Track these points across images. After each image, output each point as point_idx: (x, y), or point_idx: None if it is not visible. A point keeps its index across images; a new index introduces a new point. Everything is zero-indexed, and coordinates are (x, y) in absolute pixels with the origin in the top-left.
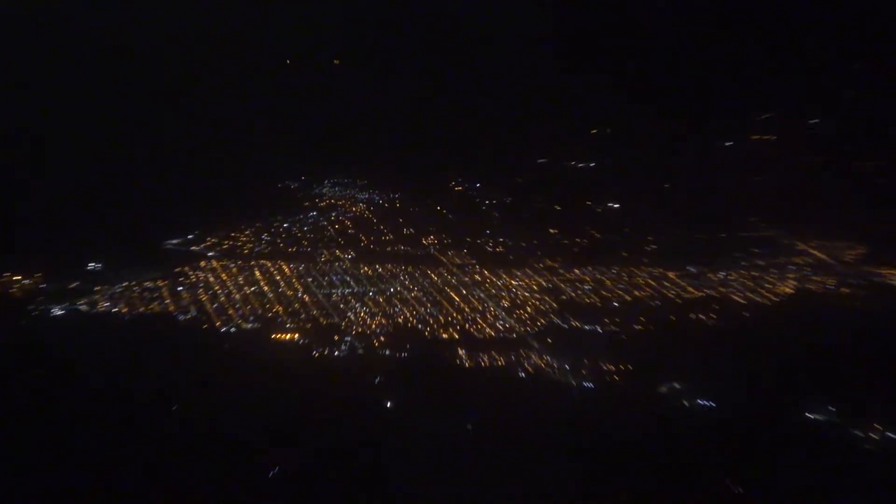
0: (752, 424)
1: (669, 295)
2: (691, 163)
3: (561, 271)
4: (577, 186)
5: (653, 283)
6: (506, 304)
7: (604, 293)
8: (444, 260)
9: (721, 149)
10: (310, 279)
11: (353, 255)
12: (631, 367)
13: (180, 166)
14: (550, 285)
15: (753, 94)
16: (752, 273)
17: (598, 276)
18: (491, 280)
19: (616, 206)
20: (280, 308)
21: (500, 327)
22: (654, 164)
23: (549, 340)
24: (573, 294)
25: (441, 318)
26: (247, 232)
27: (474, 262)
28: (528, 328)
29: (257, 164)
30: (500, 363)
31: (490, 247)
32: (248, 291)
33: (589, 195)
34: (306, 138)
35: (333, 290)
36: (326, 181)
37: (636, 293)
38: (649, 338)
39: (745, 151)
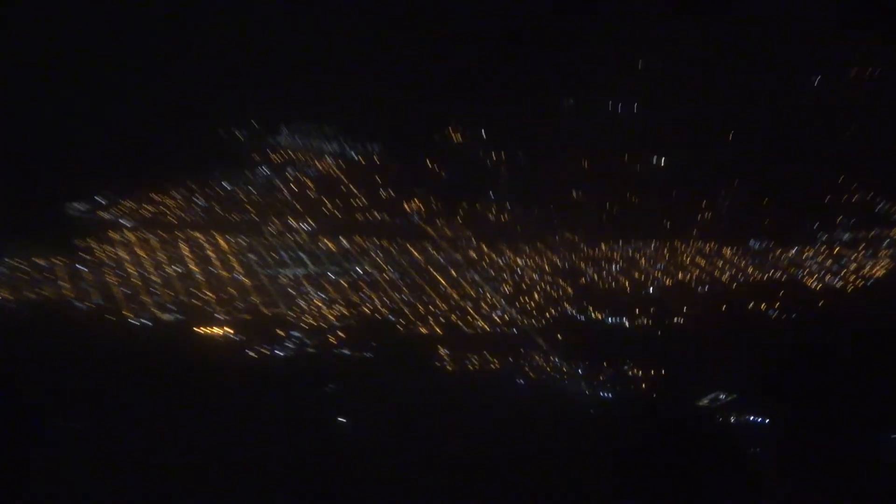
0: (818, 447)
1: (723, 278)
2: (764, 104)
3: (583, 246)
4: (612, 135)
5: (702, 262)
6: (507, 289)
7: (636, 275)
8: (432, 231)
9: (807, 85)
10: (252, 256)
11: (313, 224)
12: (664, 373)
13: (87, 106)
14: (568, 265)
15: (854, 10)
16: (835, 250)
17: (632, 253)
18: (490, 258)
19: (662, 160)
20: (210, 294)
21: (497, 319)
22: (715, 106)
23: (560, 337)
24: (596, 276)
25: (420, 307)
26: (174, 194)
27: (470, 234)
28: (534, 321)
29: (192, 104)
30: (493, 366)
31: (493, 214)
32: (170, 272)
33: (628, 146)
34: (259, 71)
35: (282, 271)
36: (284, 128)
37: (679, 275)
38: (691, 334)
39: (839, 89)
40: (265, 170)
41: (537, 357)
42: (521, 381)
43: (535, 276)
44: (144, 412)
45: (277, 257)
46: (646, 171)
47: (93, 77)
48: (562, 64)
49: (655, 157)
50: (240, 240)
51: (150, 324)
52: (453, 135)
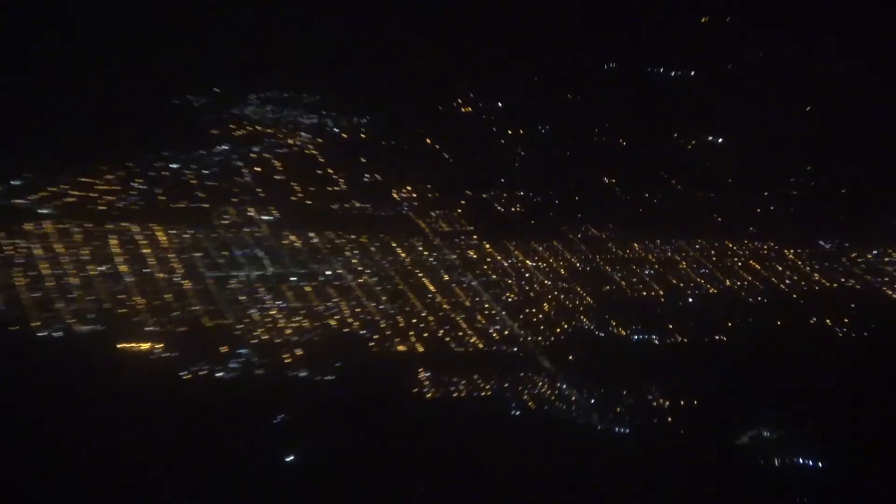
0: (880, 498)
1: (782, 286)
2: (848, 75)
3: (611, 245)
4: (660, 109)
5: (757, 266)
6: (511, 297)
7: (674, 282)
8: (423, 226)
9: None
10: (198, 254)
11: (278, 215)
12: (697, 403)
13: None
14: (590, 268)
15: None
16: None
17: (671, 255)
18: (494, 259)
19: (718, 140)
20: (141, 300)
21: (495, 335)
22: (791, 75)
23: (571, 358)
24: (624, 283)
25: (401, 319)
26: (108, 177)
27: (472, 229)
28: (541, 337)
29: (138, 66)
30: (484, 393)
31: (501, 205)
32: (93, 273)
33: (677, 123)
34: (226, 28)
35: (234, 273)
36: (253, 96)
37: (728, 282)
38: (736, 356)
39: None
40: (225, 147)
41: (540, 382)
42: (518, 411)
43: (548, 282)
44: (44, 443)
45: (230, 256)
46: (697, 154)
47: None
48: (599, 18)
49: (710, 136)
50: (185, 234)
51: (62, 336)
52: (461, 105)
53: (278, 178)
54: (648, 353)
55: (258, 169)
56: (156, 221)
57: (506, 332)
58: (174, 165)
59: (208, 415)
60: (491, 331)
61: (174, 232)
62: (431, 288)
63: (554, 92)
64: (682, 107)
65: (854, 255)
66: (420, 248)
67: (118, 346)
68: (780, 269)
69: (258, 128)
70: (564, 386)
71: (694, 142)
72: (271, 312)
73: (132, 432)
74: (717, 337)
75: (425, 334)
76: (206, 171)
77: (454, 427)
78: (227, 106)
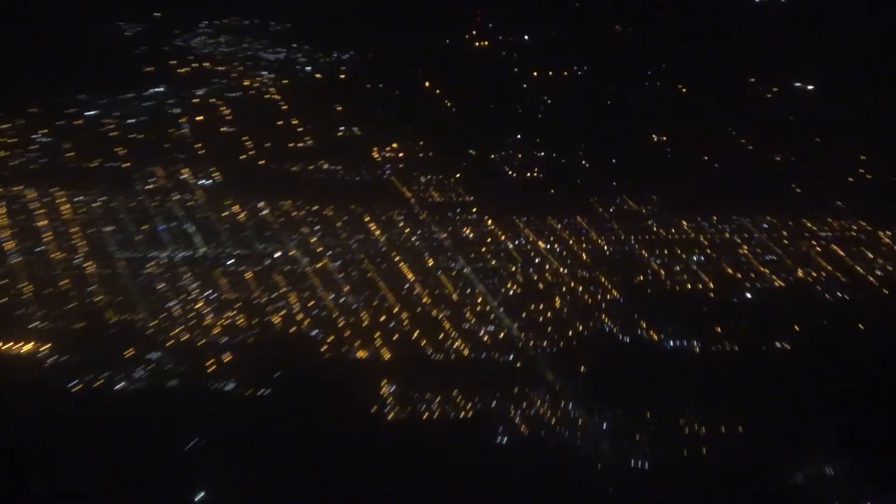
0: None
1: (871, 278)
2: None
3: (651, 223)
4: (733, 45)
5: (842, 252)
6: (513, 289)
7: (730, 271)
8: (409, 194)
9: None
10: (110, 228)
11: (219, 178)
12: (742, 431)
13: None
14: (621, 252)
15: None
16: None
17: (728, 236)
18: (496, 238)
19: (808, 87)
20: (29, 287)
21: (485, 338)
22: None
23: (583, 369)
24: (662, 272)
25: (366, 316)
26: (5, 127)
27: (471, 199)
28: (546, 342)
29: None
30: (463, 414)
31: (513, 168)
32: None
33: (755, 64)
34: None
35: (154, 254)
36: (203, 24)
37: (800, 272)
38: (799, 371)
39: None
40: (160, 89)
41: (539, 400)
42: (506, 438)
43: (564, 270)
44: None
45: (151, 231)
46: (777, 104)
47: None
48: None
49: (797, 82)
50: (95, 202)
51: None
52: (473, 38)
53: (225, 130)
54: (685, 365)
55: (200, 118)
56: (59, 185)
57: (501, 335)
58: (91, 112)
59: (101, 437)
60: (482, 333)
61: (81, 199)
62: (410, 276)
63: (594, 21)
64: (765, 42)
65: None
66: (401, 224)
67: None
68: (872, 256)
69: (206, 65)
70: (570, 405)
71: (776, 88)
72: (197, 306)
73: (3, 458)
74: (778, 345)
75: (395, 336)
76: (133, 121)
77: (420, 459)
78: (168, 35)
